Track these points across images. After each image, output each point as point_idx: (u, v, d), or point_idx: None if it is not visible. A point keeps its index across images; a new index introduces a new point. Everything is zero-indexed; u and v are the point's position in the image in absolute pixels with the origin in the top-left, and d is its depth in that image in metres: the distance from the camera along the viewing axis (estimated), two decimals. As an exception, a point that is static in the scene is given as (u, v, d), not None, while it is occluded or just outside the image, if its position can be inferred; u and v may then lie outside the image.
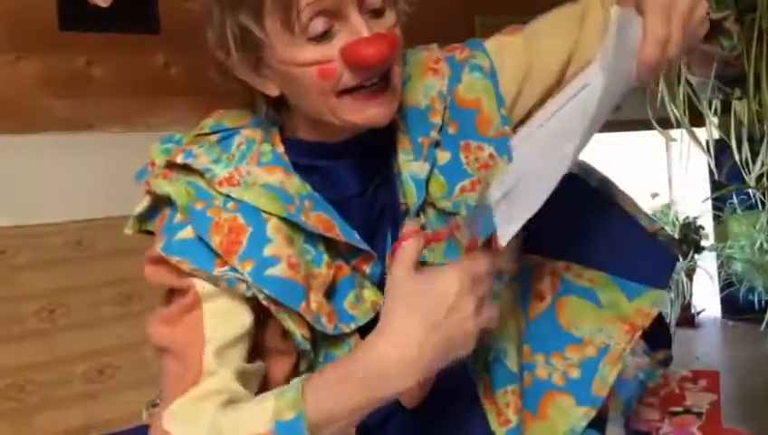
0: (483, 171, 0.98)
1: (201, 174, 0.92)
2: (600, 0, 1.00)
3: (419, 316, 0.78)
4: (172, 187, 0.91)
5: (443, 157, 1.00)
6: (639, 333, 1.01)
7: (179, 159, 0.92)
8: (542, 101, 1.02)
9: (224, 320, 0.89)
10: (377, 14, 0.87)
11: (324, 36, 0.85)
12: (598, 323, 1.01)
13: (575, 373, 0.98)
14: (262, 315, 0.91)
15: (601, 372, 0.98)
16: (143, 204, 0.96)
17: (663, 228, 1.10)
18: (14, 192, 1.76)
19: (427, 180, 0.98)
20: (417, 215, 0.98)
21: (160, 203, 0.95)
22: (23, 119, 1.88)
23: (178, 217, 0.91)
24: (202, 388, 0.86)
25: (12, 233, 1.68)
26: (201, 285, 0.88)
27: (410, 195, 0.97)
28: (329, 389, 0.80)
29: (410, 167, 0.98)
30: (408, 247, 0.81)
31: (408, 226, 0.85)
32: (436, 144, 0.99)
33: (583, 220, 1.06)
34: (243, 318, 0.89)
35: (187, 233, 0.89)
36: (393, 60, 0.89)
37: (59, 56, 1.96)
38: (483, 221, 0.85)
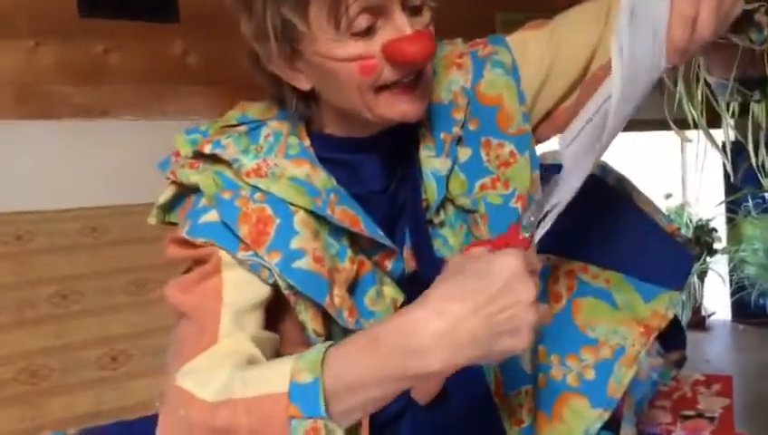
0: (503, 169, 0.98)
1: (229, 164, 0.92)
2: None
3: (468, 292, 0.70)
4: (199, 176, 0.92)
5: (464, 153, 0.99)
6: (655, 335, 1.00)
7: (207, 150, 0.92)
8: (564, 97, 1.01)
9: (242, 287, 0.89)
10: (415, 11, 0.88)
11: (367, 32, 0.85)
12: (613, 325, 1.00)
13: (590, 375, 0.98)
14: (276, 304, 0.92)
15: (616, 373, 0.97)
16: (167, 193, 0.97)
17: (680, 229, 1.10)
18: (30, 177, 1.77)
19: (448, 177, 0.98)
20: (438, 211, 0.98)
21: (185, 192, 0.95)
22: (40, 105, 1.89)
23: (203, 202, 0.91)
24: (219, 347, 0.84)
25: (28, 218, 1.68)
26: (224, 253, 0.88)
27: (431, 191, 0.97)
28: (355, 355, 0.74)
29: (432, 163, 0.98)
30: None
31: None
32: (458, 140, 0.99)
33: (600, 220, 1.05)
34: (261, 289, 0.89)
35: (212, 216, 0.90)
36: (433, 57, 0.90)
37: (77, 43, 1.96)
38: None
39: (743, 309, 3.17)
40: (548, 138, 1.07)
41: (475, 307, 0.69)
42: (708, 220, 3.14)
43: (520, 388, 0.97)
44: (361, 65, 0.86)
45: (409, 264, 1.00)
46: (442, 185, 0.97)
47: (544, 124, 1.04)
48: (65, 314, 1.59)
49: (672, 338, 1.15)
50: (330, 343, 0.78)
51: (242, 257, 0.89)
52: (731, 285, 3.17)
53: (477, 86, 1.00)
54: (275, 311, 0.93)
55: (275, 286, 0.90)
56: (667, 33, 0.77)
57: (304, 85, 0.92)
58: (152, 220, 1.00)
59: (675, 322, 1.08)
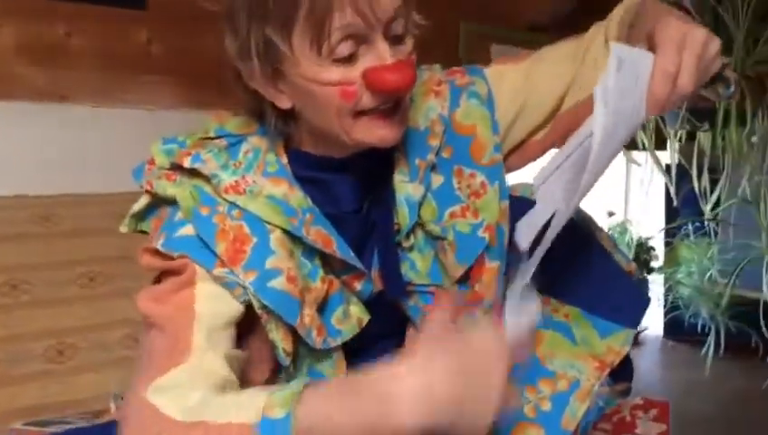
0: (473, 198, 1.00)
1: (207, 179, 0.92)
2: (605, 31, 1.00)
3: (447, 358, 0.73)
4: (177, 189, 0.92)
5: (436, 180, 1.01)
6: (608, 370, 1.04)
7: (187, 163, 0.92)
8: (536, 130, 1.04)
9: (216, 302, 0.89)
10: (398, 40, 0.89)
11: (349, 59, 0.86)
12: (570, 359, 1.04)
13: (546, 406, 1.01)
14: (245, 322, 0.92)
15: (571, 406, 1.01)
16: (141, 202, 0.97)
17: (638, 268, 1.14)
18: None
19: (420, 203, 1.00)
20: (408, 236, 1.00)
21: (159, 203, 0.95)
22: (-3, 85, 1.84)
23: (179, 216, 0.91)
24: (192, 365, 0.84)
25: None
26: (198, 267, 0.89)
27: (403, 216, 0.99)
28: (329, 398, 0.76)
29: (406, 188, 0.99)
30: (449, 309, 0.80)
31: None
32: (432, 167, 1.01)
33: (564, 256, 1.08)
34: (234, 306, 0.90)
35: (188, 230, 0.90)
36: (414, 86, 0.91)
37: (38, 24, 1.91)
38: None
39: (675, 327, 3.29)
40: (518, 168, 1.09)
41: (450, 374, 0.72)
42: (648, 239, 3.24)
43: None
44: (342, 90, 0.87)
45: (376, 284, 1.02)
46: (414, 210, 0.99)
47: (515, 155, 1.07)
48: (13, 305, 1.56)
49: (621, 370, 1.20)
50: (306, 380, 0.81)
51: (217, 274, 0.89)
52: (665, 304, 3.29)
53: (453, 115, 1.02)
54: (244, 328, 0.94)
55: (247, 304, 0.90)
56: (650, 86, 0.82)
57: (285, 104, 0.92)
58: (124, 229, 1.00)
59: (626, 356, 1.12)
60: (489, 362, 0.73)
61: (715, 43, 0.84)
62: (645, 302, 1.10)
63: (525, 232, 0.91)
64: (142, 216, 0.98)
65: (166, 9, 2.08)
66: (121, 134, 1.95)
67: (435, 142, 1.00)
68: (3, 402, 1.48)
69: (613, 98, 0.80)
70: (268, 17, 0.85)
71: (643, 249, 3.18)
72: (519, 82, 1.05)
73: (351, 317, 0.98)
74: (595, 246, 1.10)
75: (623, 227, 3.18)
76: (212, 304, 0.89)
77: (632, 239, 3.18)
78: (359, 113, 0.89)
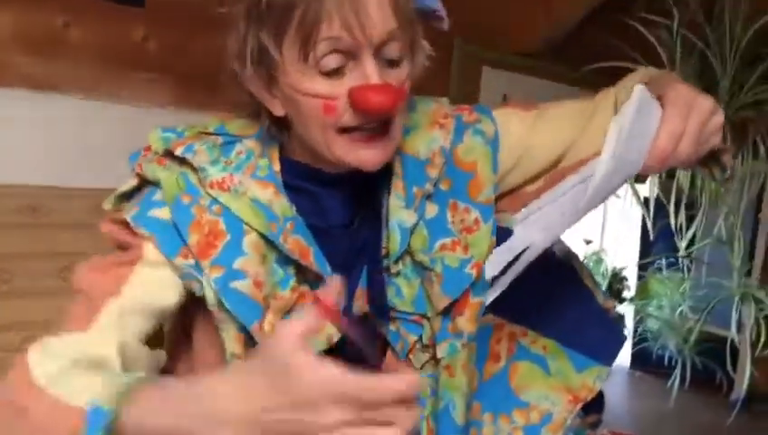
0: (465, 233, 1.02)
1: (195, 170, 0.93)
2: (614, 103, 1.02)
3: (272, 390, 0.66)
4: (164, 173, 0.92)
5: (431, 210, 1.02)
6: (581, 404, 1.07)
7: (179, 152, 0.93)
8: (530, 181, 1.06)
9: (149, 288, 0.89)
10: (392, 64, 0.89)
11: (335, 73, 0.86)
12: (545, 390, 1.06)
13: (519, 437, 1.03)
14: (196, 321, 0.94)
15: (543, 438, 1.03)
16: (129, 184, 0.96)
17: (615, 306, 1.17)
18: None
19: (412, 230, 1.01)
20: (396, 261, 1.01)
21: (146, 185, 0.95)
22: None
23: (159, 196, 0.92)
24: (86, 337, 0.84)
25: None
26: (152, 250, 0.89)
27: (393, 241, 0.99)
28: (151, 398, 0.73)
29: (400, 213, 0.99)
30: (312, 319, 0.68)
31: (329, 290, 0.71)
32: (428, 196, 1.02)
33: (545, 289, 1.10)
34: (167, 298, 0.90)
35: (164, 213, 0.90)
36: (397, 111, 0.92)
37: (37, 12, 1.91)
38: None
39: (643, 358, 3.34)
40: (505, 211, 1.10)
41: (278, 406, 0.66)
42: (622, 269, 3.29)
43: (451, 439, 1.02)
44: (325, 104, 0.87)
45: (361, 304, 1.02)
46: (405, 237, 0.99)
47: (505, 200, 1.07)
48: (-6, 293, 1.55)
49: (592, 403, 1.22)
50: (143, 376, 0.80)
51: (178, 263, 0.89)
52: (634, 335, 3.34)
53: (456, 149, 1.04)
54: (192, 328, 0.95)
55: (196, 301, 0.91)
56: (653, 142, 0.83)
57: (279, 111, 0.93)
58: (108, 205, 0.98)
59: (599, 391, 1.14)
60: (316, 403, 0.64)
61: (720, 116, 0.86)
62: (621, 340, 1.12)
63: (495, 261, 0.93)
64: (127, 197, 0.97)
65: (163, 8, 2.08)
66: (112, 130, 1.95)
67: (434, 173, 1.01)
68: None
69: (622, 144, 0.82)
70: (263, 23, 0.86)
71: (616, 279, 3.23)
72: (524, 131, 1.05)
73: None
74: (577, 281, 1.11)
75: (599, 257, 3.23)
76: (141, 290, 0.88)
77: (607, 269, 3.23)
78: (342, 130, 0.89)
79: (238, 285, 0.89)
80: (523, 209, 0.97)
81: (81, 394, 0.76)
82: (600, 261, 3.23)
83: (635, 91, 0.82)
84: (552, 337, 1.09)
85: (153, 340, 0.93)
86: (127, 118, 1.99)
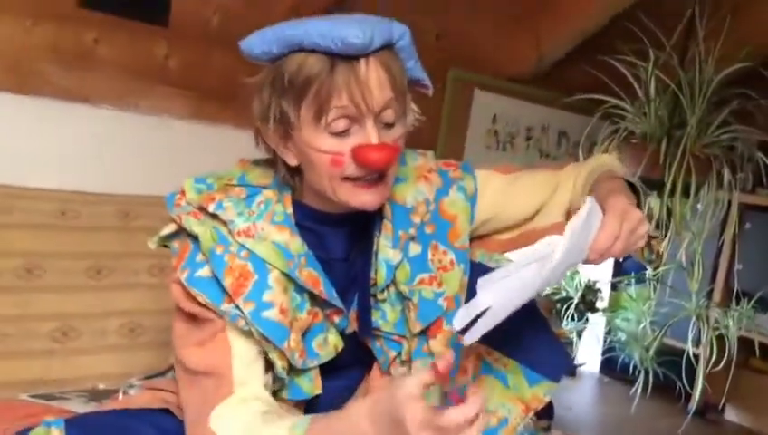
0: (441, 271, 1.23)
1: (225, 223, 1.14)
2: (573, 183, 1.23)
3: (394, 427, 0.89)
4: (200, 228, 1.13)
5: (414, 249, 1.24)
6: (532, 413, 1.27)
7: (211, 208, 1.14)
8: (501, 232, 1.28)
9: (244, 340, 1.10)
10: (388, 126, 1.11)
11: (342, 133, 1.09)
12: (503, 400, 1.26)
13: (479, 438, 1.24)
14: None
15: (499, 439, 1.24)
16: (169, 228, 1.19)
17: (564, 333, 1.38)
18: (10, 152, 1.89)
19: (396, 266, 1.23)
20: (382, 290, 1.23)
21: (183, 232, 1.16)
22: (27, 81, 1.99)
23: (200, 257, 1.13)
24: (240, 394, 1.06)
25: (5, 192, 1.80)
26: (222, 320, 1.12)
27: (380, 275, 1.21)
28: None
29: (387, 252, 1.21)
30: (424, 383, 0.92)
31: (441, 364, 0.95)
32: (413, 238, 1.24)
33: (509, 317, 1.30)
34: (254, 339, 1.11)
35: (206, 271, 1.12)
36: (392, 165, 1.14)
37: (71, 29, 2.07)
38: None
39: (610, 365, 3.56)
40: (474, 254, 1.30)
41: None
42: (596, 282, 3.49)
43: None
44: (333, 158, 1.09)
45: (352, 324, 1.25)
46: (390, 272, 1.21)
47: (476, 243, 1.29)
48: (26, 287, 1.73)
49: (544, 411, 1.43)
50: (311, 417, 1.01)
51: (224, 309, 1.12)
52: (604, 343, 3.55)
53: (442, 200, 1.25)
54: None
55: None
56: (596, 238, 1.02)
57: (292, 161, 1.15)
58: (152, 245, 1.21)
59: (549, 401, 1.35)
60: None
61: (645, 225, 1.05)
62: (568, 362, 1.34)
63: (461, 316, 1.07)
64: (168, 238, 1.19)
65: (184, 29, 2.26)
66: (135, 139, 2.13)
67: (417, 219, 1.23)
68: (9, 373, 1.65)
69: (573, 238, 0.99)
70: (285, 93, 1.08)
71: (591, 291, 3.45)
72: (499, 191, 1.27)
73: (329, 344, 1.21)
74: (536, 312, 1.30)
75: (575, 269, 3.44)
76: (243, 342, 1.10)
77: (581, 282, 3.43)
78: (346, 178, 1.11)
79: (268, 314, 1.10)
80: (485, 275, 1.10)
81: None
82: (576, 273, 3.43)
83: (586, 202, 1.00)
84: (512, 357, 1.27)
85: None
86: (149, 128, 2.17)
